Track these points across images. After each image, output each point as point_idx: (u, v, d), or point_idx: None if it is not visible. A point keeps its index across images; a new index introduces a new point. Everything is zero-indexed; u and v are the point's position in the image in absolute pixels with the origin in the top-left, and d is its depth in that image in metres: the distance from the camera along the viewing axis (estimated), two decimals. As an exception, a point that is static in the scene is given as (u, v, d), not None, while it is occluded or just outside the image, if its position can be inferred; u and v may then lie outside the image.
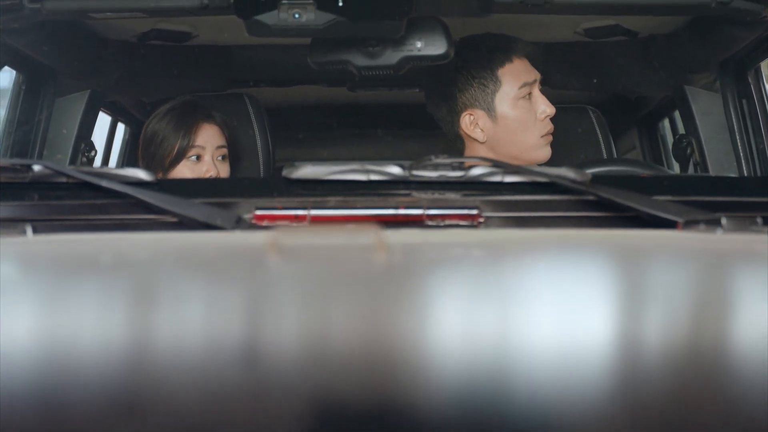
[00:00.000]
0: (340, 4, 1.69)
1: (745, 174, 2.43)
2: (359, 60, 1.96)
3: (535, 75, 2.15)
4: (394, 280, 0.85)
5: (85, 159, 2.54)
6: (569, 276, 0.97)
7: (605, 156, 2.61)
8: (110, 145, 3.23)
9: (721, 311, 0.82)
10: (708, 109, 2.52)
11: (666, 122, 3.29)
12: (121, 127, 3.31)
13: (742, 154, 2.46)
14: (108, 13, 1.99)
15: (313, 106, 3.29)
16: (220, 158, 2.28)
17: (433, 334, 0.69)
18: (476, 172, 1.43)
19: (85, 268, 1.00)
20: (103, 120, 3.06)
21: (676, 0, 1.98)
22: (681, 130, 2.86)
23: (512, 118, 2.12)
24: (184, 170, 2.23)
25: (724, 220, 1.20)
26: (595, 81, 2.77)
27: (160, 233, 1.35)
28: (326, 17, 1.69)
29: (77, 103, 2.52)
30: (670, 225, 1.30)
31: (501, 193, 1.43)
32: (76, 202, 1.43)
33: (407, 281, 0.85)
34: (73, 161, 2.51)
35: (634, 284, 0.95)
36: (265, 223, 1.40)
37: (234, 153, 2.43)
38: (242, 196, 1.45)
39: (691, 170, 2.59)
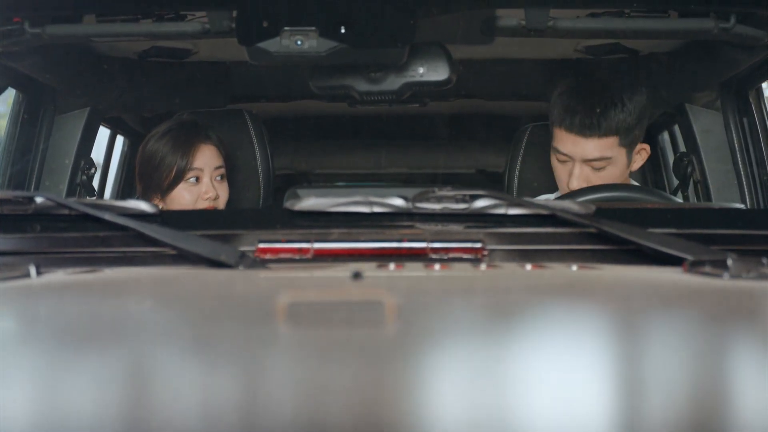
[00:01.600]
0: (343, 30, 1.68)
1: (746, 193, 2.43)
2: (361, 85, 1.95)
3: (582, 154, 2.08)
4: (401, 350, 0.84)
5: (84, 176, 2.53)
6: (568, 331, 0.96)
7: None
8: (109, 159, 3.22)
9: (721, 368, 0.82)
10: (709, 127, 2.52)
11: (665, 135, 3.28)
12: (119, 140, 3.30)
13: (743, 173, 2.45)
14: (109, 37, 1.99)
15: (311, 119, 3.29)
16: (218, 178, 2.28)
17: (440, 410, 0.68)
18: (479, 204, 1.43)
19: (85, 325, 0.99)
20: (102, 133, 3.05)
21: (677, 25, 1.98)
22: (681, 143, 2.86)
23: (552, 164, 2.19)
24: (183, 192, 2.23)
25: (730, 261, 1.19)
26: None
27: (163, 271, 1.34)
28: (328, 44, 1.68)
29: (77, 121, 2.52)
30: (674, 261, 1.30)
31: (504, 226, 1.42)
32: (78, 235, 1.42)
33: (414, 349, 0.84)
34: (72, 178, 2.50)
35: (636, 335, 0.95)
36: (268, 256, 1.39)
37: (233, 170, 2.43)
38: (245, 228, 1.44)
39: (691, 188, 2.59)
